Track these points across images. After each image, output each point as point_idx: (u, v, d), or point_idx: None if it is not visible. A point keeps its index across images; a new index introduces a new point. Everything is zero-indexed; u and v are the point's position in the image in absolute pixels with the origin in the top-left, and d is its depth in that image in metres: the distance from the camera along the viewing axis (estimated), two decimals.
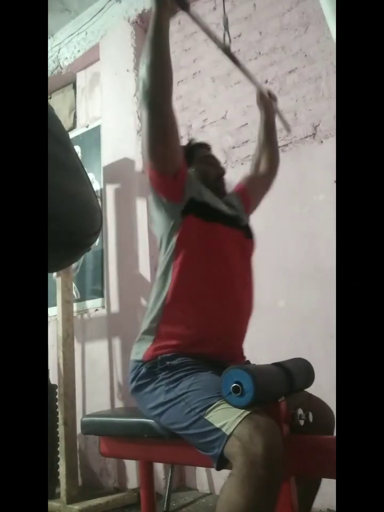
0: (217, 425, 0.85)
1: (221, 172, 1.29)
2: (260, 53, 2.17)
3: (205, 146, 1.32)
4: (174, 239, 1.10)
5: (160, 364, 1.02)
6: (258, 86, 1.43)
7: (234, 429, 0.82)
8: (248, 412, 0.83)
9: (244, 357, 1.20)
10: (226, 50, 1.28)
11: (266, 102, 1.44)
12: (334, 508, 1.61)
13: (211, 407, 0.87)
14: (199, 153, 1.29)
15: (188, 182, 1.13)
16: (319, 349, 1.72)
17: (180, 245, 1.09)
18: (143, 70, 1.04)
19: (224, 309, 1.10)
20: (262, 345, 1.89)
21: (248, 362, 1.19)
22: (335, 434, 1.09)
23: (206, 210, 1.14)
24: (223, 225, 1.15)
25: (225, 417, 0.84)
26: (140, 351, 1.07)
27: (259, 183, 1.42)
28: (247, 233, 1.25)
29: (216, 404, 0.87)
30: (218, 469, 0.87)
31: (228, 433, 0.82)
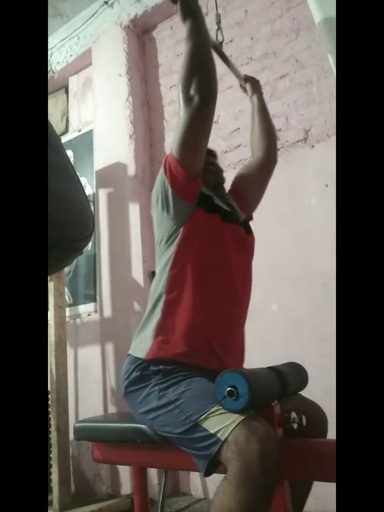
0: (212, 431, 0.84)
1: (220, 180, 1.29)
2: (251, 58, 2.18)
3: (210, 153, 1.27)
4: (179, 236, 1.08)
5: (154, 366, 1.00)
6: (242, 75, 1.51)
7: (229, 434, 0.81)
8: (243, 417, 0.82)
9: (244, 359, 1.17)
10: (217, 47, 1.35)
11: (254, 83, 1.50)
12: (327, 511, 1.61)
13: (206, 414, 0.87)
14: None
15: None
16: (311, 351, 1.73)
17: (183, 241, 1.08)
18: (194, 67, 1.05)
19: (224, 306, 1.08)
20: (255, 348, 1.89)
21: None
22: (327, 437, 1.10)
23: (210, 203, 1.14)
24: (221, 220, 1.14)
25: (220, 423, 0.84)
26: (142, 348, 1.03)
27: (255, 177, 1.37)
28: (247, 229, 1.24)
29: (211, 410, 0.87)
30: (206, 475, 0.86)
31: (222, 438, 0.82)
